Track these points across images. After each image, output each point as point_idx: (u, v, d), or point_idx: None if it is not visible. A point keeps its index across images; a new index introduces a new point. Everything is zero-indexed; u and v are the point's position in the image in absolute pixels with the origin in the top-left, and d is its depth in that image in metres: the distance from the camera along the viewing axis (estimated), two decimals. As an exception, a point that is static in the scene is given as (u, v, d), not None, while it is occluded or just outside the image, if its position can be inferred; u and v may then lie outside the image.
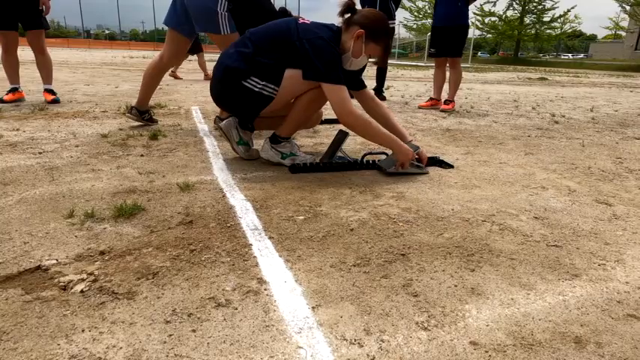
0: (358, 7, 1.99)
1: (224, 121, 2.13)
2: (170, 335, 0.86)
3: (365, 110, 2.23)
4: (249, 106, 1.99)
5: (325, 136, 2.90)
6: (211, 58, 17.56)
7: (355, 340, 0.86)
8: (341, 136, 2.14)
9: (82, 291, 0.99)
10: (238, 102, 1.99)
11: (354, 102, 1.97)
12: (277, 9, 2.90)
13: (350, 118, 1.88)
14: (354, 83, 2.16)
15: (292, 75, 1.91)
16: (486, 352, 0.84)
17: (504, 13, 36.02)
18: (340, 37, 1.93)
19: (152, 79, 2.84)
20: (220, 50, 2.89)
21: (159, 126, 2.96)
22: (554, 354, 0.84)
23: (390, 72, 11.50)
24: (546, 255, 1.26)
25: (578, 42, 72.22)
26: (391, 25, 4.94)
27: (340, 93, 1.84)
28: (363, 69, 2.12)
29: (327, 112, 2.86)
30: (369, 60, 2.03)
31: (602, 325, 0.94)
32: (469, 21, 4.55)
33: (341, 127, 2.06)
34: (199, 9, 2.53)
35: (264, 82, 1.90)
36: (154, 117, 3.03)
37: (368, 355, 0.82)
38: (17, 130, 2.66)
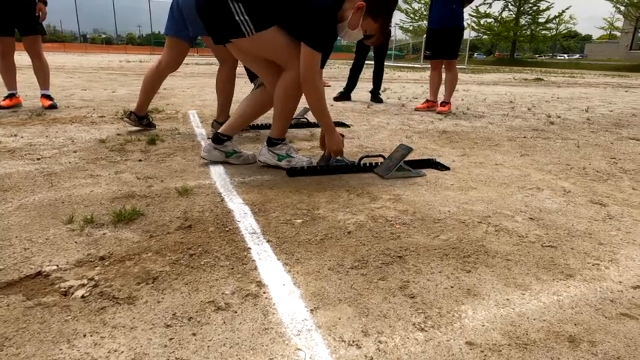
0: None
1: (203, 151, 2.16)
2: (171, 339, 0.87)
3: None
4: (222, 29, 1.95)
5: (322, 139, 2.92)
6: (208, 61, 17.55)
7: (353, 342, 0.88)
8: (338, 140, 2.16)
9: (82, 296, 1.00)
10: (215, 19, 1.95)
11: None
12: None
13: (310, 85, 1.92)
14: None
15: (274, 36, 1.91)
16: (482, 351, 0.86)
17: (500, 14, 36.25)
18: (343, 3, 1.90)
19: (151, 85, 2.86)
20: (215, 55, 2.87)
21: (157, 130, 2.97)
22: (549, 353, 0.86)
23: (387, 74, 11.54)
24: (541, 255, 1.28)
25: (574, 42, 72.58)
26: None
27: (313, 59, 1.88)
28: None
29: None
30: (365, 38, 2.00)
31: (595, 324, 0.96)
32: (464, 23, 4.58)
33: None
34: (193, 11, 2.54)
35: (246, 17, 1.86)
36: (152, 121, 3.04)
37: (366, 356, 0.84)
38: (15, 136, 2.67)
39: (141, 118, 2.91)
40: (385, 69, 6.00)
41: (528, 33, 36.85)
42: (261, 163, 2.14)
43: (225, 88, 2.91)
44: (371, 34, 1.96)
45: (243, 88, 6.68)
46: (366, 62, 5.52)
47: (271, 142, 2.11)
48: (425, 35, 5.65)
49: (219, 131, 2.14)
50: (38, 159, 2.16)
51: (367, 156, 2.18)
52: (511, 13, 36.20)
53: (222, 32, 1.97)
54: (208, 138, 2.78)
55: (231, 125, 2.16)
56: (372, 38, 2.00)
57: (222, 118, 2.96)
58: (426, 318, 0.96)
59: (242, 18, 1.86)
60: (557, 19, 36.46)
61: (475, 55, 53.71)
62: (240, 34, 1.90)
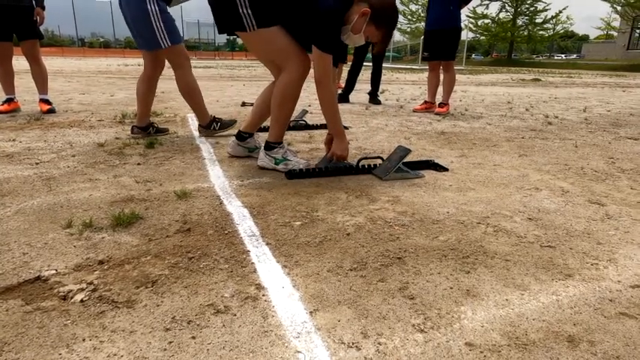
0: None
1: (228, 147, 2.36)
2: (170, 342, 0.87)
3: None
4: (226, 20, 1.97)
5: (321, 141, 2.92)
6: (206, 64, 17.49)
7: (353, 344, 0.88)
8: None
9: (81, 300, 1.00)
10: (221, 9, 1.97)
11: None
12: None
13: (323, 88, 1.96)
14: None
15: (275, 35, 1.94)
16: (481, 352, 0.86)
17: (497, 15, 36.38)
18: (350, 6, 1.91)
19: (144, 93, 2.85)
20: (169, 62, 2.83)
21: (155, 134, 2.97)
22: (548, 353, 0.86)
23: (385, 75, 11.57)
24: (540, 256, 1.28)
25: (571, 42, 72.81)
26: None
27: (324, 61, 1.92)
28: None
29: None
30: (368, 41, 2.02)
31: (594, 324, 0.96)
32: (462, 24, 4.59)
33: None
34: (130, 25, 2.62)
35: (249, 11, 1.87)
36: (160, 127, 3.02)
37: (365, 358, 0.84)
38: (13, 140, 2.67)
39: (145, 128, 2.89)
40: (383, 70, 6.01)
41: (526, 33, 36.95)
42: (260, 167, 2.15)
43: (189, 92, 2.88)
44: (372, 41, 1.98)
45: (241, 90, 6.69)
46: (365, 64, 5.53)
47: (268, 146, 2.12)
48: (422, 36, 5.66)
49: (240, 129, 2.33)
50: (37, 163, 2.16)
51: (366, 157, 2.19)
52: (508, 14, 36.33)
53: (225, 23, 2.01)
54: (207, 140, 2.79)
55: (251, 123, 2.32)
56: (375, 45, 2.03)
57: (203, 120, 2.93)
58: (425, 319, 0.96)
59: (245, 11, 1.88)
60: (554, 20, 36.60)
61: (473, 55, 53.80)
62: (242, 28, 1.93)
